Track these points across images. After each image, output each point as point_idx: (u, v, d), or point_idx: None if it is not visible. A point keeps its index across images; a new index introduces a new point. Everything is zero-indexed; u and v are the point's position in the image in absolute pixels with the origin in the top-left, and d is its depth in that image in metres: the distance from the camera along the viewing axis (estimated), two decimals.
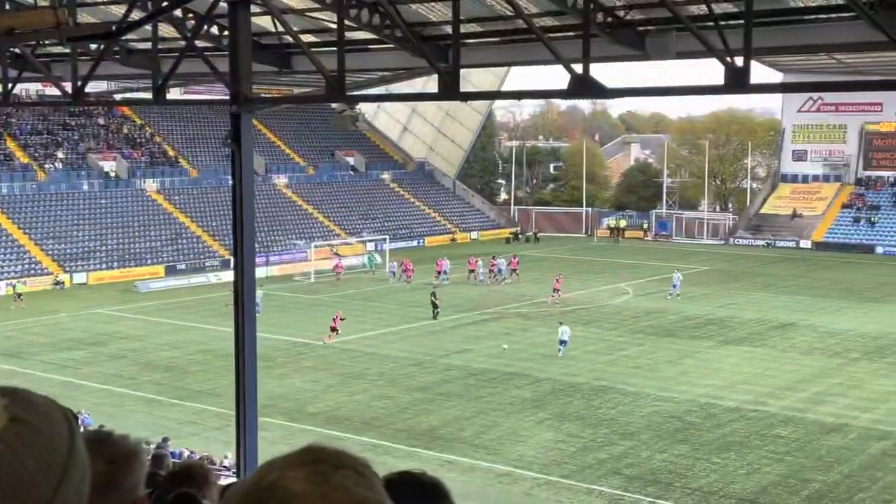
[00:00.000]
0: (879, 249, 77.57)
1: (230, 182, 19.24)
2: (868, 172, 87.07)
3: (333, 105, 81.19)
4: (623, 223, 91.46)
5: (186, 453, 24.13)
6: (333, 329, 43.96)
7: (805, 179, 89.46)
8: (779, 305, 53.02)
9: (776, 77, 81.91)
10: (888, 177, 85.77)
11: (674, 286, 55.93)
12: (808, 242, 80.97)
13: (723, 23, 16.56)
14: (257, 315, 51.23)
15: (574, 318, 48.67)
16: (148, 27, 21.24)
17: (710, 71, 46.91)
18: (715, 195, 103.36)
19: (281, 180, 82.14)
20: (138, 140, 78.95)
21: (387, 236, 74.41)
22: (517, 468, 27.32)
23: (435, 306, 49.11)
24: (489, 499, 25.17)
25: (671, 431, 30.48)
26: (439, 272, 61.25)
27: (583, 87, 15.55)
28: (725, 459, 27.94)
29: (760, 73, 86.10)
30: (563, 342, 40.72)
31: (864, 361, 39.87)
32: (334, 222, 79.98)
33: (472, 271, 61.50)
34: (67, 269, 62.71)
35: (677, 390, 35.27)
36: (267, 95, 36.18)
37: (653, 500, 24.95)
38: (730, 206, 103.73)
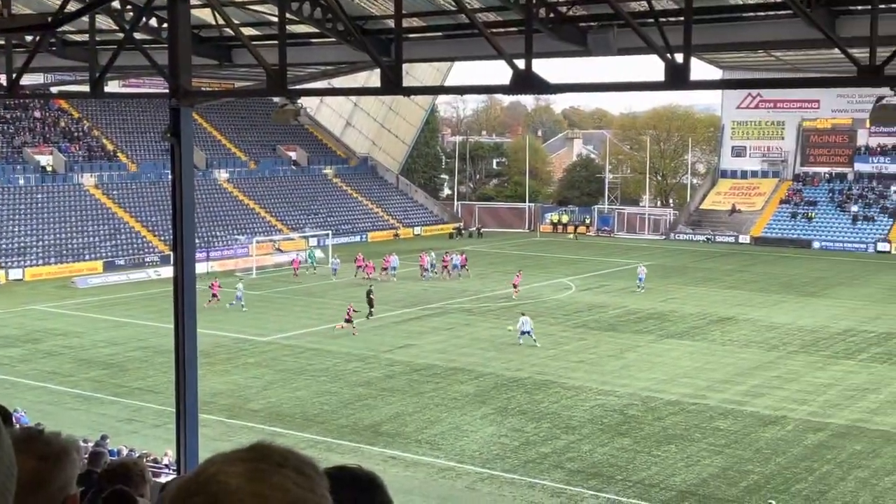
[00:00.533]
0: (816, 244, 78.97)
1: (170, 176, 19.03)
2: (805, 168, 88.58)
3: (275, 99, 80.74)
4: (565, 218, 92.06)
5: (125, 451, 23.84)
6: (348, 320, 44.22)
7: (744, 175, 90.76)
8: (718, 300, 53.68)
9: (716, 74, 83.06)
10: (825, 173, 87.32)
11: (639, 279, 57.10)
12: (746, 237, 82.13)
13: (663, 20, 16.73)
14: (243, 310, 49.76)
15: (517, 314, 48.81)
16: (85, 19, 20.91)
17: (652, 67, 47.37)
18: (656, 191, 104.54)
19: (222, 175, 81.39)
20: (75, 134, 77.70)
21: (329, 231, 74.12)
22: (460, 463, 27.40)
23: (371, 304, 48.03)
24: (432, 493, 25.20)
25: (613, 425, 30.77)
26: (385, 268, 61.18)
27: (525, 82, 15.61)
28: (666, 452, 28.27)
29: (700, 69, 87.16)
30: (525, 333, 41.60)
31: (802, 354, 40.58)
32: (276, 217, 79.45)
33: (423, 267, 61.54)
34: (3, 264, 61.54)
35: (619, 384, 35.59)
36: (207, 89, 35.84)
37: (594, 493, 25.17)
38: (671, 201, 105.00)
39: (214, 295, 51.19)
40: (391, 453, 28.15)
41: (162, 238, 68.76)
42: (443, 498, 24.99)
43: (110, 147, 78.26)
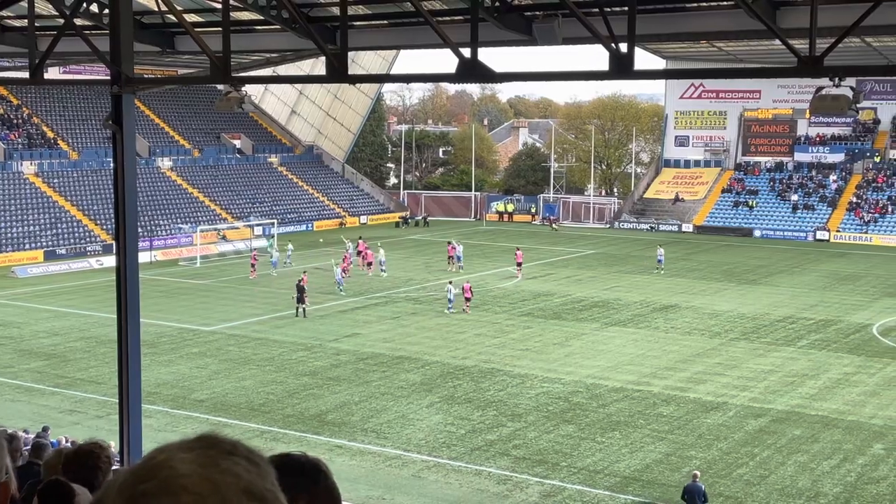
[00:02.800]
0: (757, 233, 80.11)
1: (112, 165, 18.78)
2: (746, 158, 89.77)
3: (219, 87, 79.95)
4: (511, 207, 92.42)
5: (65, 441, 23.52)
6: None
7: (687, 165, 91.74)
8: (662, 288, 54.12)
9: (660, 64, 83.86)
10: (765, 162, 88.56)
11: (659, 261, 59.55)
12: (689, 226, 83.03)
13: (608, 9, 16.84)
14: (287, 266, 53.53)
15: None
16: (24, 3, 20.53)
17: (596, 57, 47.52)
18: (601, 180, 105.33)
19: (165, 163, 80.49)
20: (15, 121, 76.27)
21: (275, 220, 73.68)
22: (406, 451, 27.42)
23: (300, 301, 45.27)
24: (378, 482, 25.20)
25: (558, 412, 31.00)
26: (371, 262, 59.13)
27: (471, 71, 15.63)
28: (610, 439, 28.53)
29: (644, 60, 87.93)
30: (450, 301, 45.10)
31: (743, 342, 41.14)
32: (221, 206, 78.78)
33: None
34: None
35: (564, 372, 35.82)
36: (150, 76, 35.37)
37: (540, 480, 25.33)
38: (615, 190, 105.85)
39: (252, 265, 55.71)
40: (337, 442, 28.08)
41: (104, 227, 67.85)
42: (389, 486, 25.00)
43: (51, 134, 77.01)
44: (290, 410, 31.19)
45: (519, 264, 57.65)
